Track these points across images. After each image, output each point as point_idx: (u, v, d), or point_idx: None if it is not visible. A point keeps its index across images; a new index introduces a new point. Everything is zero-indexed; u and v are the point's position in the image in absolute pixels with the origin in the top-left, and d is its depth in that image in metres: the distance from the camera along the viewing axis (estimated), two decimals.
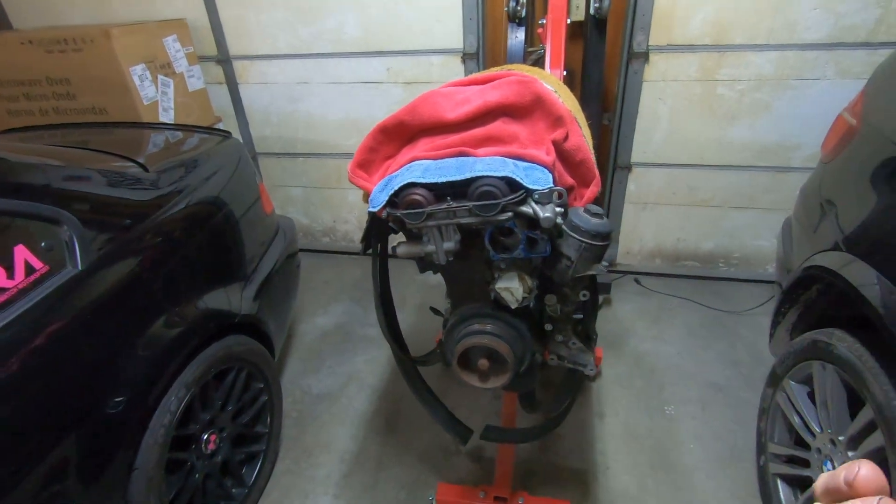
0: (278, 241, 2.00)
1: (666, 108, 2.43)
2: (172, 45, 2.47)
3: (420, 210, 0.93)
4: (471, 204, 0.91)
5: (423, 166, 0.95)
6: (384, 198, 0.95)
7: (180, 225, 1.47)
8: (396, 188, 0.93)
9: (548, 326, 1.23)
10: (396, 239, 1.11)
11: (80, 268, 1.16)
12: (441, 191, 0.93)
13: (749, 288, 2.70)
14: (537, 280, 1.09)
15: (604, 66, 2.09)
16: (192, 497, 1.45)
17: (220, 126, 2.79)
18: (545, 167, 0.94)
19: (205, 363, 1.43)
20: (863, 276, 1.20)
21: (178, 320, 1.38)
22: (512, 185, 0.90)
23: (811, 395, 1.42)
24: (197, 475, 1.46)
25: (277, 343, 1.92)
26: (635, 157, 2.58)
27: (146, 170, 1.51)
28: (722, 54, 2.26)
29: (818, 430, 1.37)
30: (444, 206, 0.93)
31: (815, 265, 1.38)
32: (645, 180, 2.64)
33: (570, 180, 1.03)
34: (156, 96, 2.40)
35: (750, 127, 2.39)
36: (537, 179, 0.91)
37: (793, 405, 1.47)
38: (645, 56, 2.32)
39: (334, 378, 2.25)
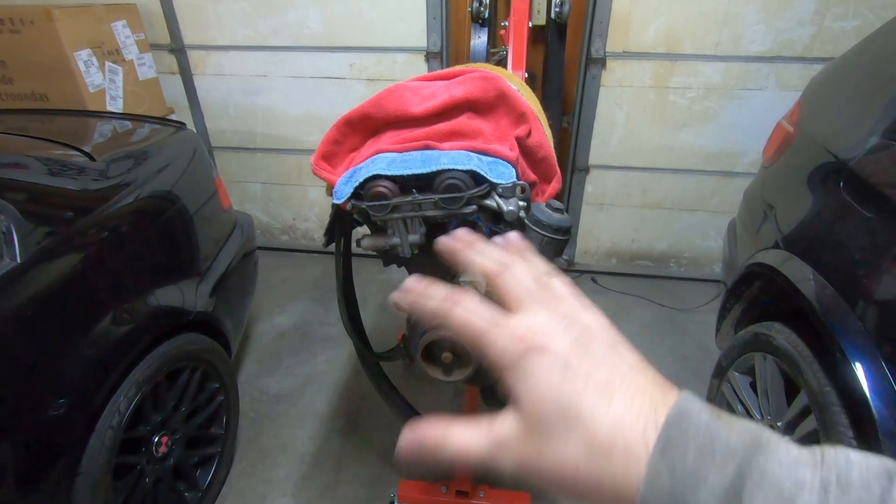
0: (235, 238, 1.94)
1: (622, 112, 2.52)
2: (122, 31, 2.35)
3: (385, 202, 0.93)
4: (436, 196, 0.91)
5: (388, 159, 0.95)
6: (349, 190, 0.94)
7: (129, 219, 1.40)
8: (361, 180, 0.93)
9: None
10: (361, 232, 1.10)
11: (18, 260, 1.09)
12: (406, 183, 0.93)
13: (698, 287, 2.83)
14: None
15: (564, 70, 2.15)
16: (142, 503, 1.39)
17: (173, 118, 2.67)
18: (509, 162, 0.95)
19: (157, 362, 1.37)
20: (799, 272, 1.29)
21: (127, 317, 1.32)
22: (476, 178, 0.91)
23: (753, 385, 1.51)
24: (147, 479, 1.40)
25: (234, 342, 1.86)
26: (593, 159, 2.66)
27: (93, 159, 1.44)
28: (674, 63, 2.37)
29: (759, 416, 1.45)
30: (410, 198, 0.93)
31: (757, 262, 1.47)
32: (602, 182, 2.73)
33: (532, 176, 1.05)
34: (103, 84, 2.28)
35: (698, 133, 2.51)
36: (501, 174, 0.92)
37: (736, 394, 1.56)
38: (602, 62, 2.40)
39: (293, 378, 2.20)
